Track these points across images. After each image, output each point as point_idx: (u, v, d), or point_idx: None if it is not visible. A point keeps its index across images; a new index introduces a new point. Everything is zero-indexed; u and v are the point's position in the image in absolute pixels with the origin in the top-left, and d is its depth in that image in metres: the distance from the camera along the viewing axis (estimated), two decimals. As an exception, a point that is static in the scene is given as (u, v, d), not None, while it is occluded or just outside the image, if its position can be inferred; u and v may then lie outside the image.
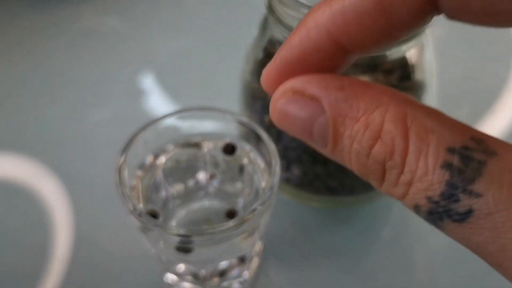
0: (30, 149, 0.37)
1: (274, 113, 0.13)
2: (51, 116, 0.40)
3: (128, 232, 0.29)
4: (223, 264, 0.26)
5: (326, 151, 0.13)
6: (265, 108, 0.28)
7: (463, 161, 0.10)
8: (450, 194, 0.10)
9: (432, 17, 0.11)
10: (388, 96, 0.11)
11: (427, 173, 0.11)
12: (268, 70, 0.13)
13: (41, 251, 0.31)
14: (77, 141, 0.38)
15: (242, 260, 0.26)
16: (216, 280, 0.27)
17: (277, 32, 0.26)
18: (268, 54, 0.27)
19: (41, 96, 0.42)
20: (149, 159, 0.26)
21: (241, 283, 0.28)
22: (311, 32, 0.12)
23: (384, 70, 0.26)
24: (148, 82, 0.43)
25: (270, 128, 0.27)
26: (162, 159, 0.27)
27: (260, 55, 0.28)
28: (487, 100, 0.39)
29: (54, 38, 0.47)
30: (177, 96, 0.41)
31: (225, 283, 0.27)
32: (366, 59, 0.25)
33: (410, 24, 0.11)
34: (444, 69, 0.35)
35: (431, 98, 0.28)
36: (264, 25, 0.28)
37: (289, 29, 0.24)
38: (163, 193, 0.27)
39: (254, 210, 0.22)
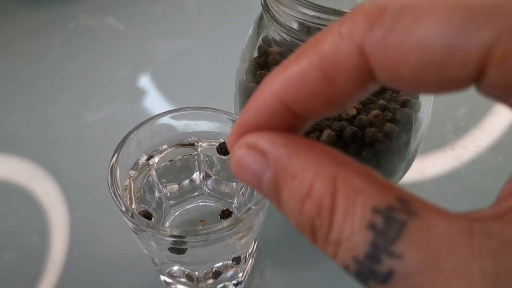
0: (24, 149, 0.37)
1: (232, 163, 0.13)
2: (45, 116, 0.39)
3: (123, 233, 0.29)
4: (217, 265, 0.25)
5: (275, 205, 0.13)
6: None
7: (386, 222, 0.11)
8: (373, 254, 0.11)
9: (372, 86, 0.12)
10: (325, 156, 0.12)
11: (353, 233, 0.11)
12: (232, 133, 0.14)
13: (36, 252, 0.30)
14: (72, 141, 0.37)
15: (237, 261, 0.26)
16: (210, 281, 0.26)
17: (272, 30, 0.25)
18: (263, 53, 0.27)
19: (36, 96, 0.41)
20: (142, 159, 0.26)
21: (235, 284, 0.28)
22: (266, 97, 0.13)
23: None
24: (145, 81, 0.42)
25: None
26: (155, 159, 0.26)
27: (255, 53, 0.28)
28: (487, 100, 0.39)
29: (49, 37, 0.47)
30: (173, 96, 0.41)
31: (219, 285, 0.27)
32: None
33: (352, 92, 0.12)
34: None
35: (430, 98, 0.28)
36: (259, 24, 0.27)
37: (284, 27, 0.24)
38: (156, 194, 0.27)
39: (249, 210, 0.22)
